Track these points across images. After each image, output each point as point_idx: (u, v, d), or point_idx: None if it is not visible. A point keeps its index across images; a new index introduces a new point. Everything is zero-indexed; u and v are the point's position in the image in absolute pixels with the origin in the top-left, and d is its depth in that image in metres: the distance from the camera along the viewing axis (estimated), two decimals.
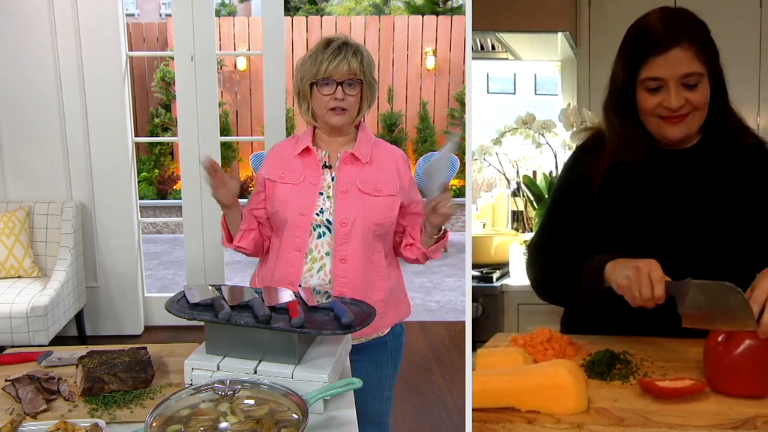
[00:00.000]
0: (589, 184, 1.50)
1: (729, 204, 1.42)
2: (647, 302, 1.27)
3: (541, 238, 1.65)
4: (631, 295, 1.29)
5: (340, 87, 1.81)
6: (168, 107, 8.03)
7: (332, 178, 1.88)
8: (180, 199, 4.46)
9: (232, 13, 12.48)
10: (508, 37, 2.32)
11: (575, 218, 1.53)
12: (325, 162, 1.90)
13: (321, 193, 1.86)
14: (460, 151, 7.55)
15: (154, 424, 1.18)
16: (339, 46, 1.81)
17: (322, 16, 10.21)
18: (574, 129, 2.24)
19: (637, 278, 1.27)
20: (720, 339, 1.22)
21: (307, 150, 1.90)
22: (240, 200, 1.88)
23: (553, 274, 1.53)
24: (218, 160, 4.11)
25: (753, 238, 1.42)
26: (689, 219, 1.43)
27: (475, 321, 2.12)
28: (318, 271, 1.85)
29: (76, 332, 4.04)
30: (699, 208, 1.44)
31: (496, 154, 2.52)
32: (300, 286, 1.82)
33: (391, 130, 8.20)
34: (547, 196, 2.47)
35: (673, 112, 1.38)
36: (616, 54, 1.45)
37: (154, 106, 8.20)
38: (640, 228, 1.45)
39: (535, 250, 1.65)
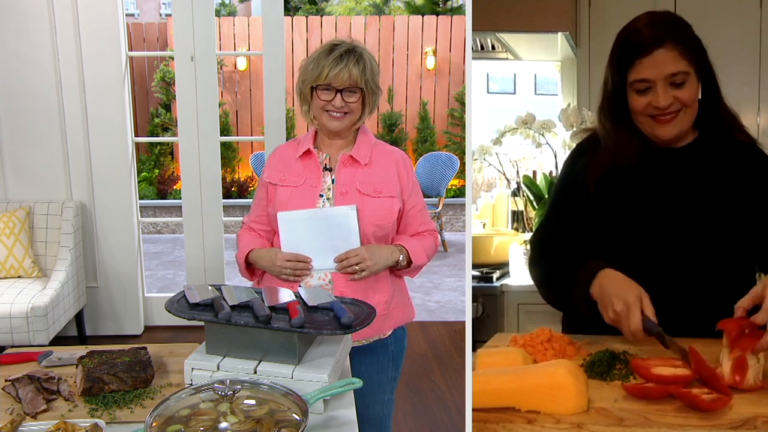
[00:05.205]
0: (585, 184, 1.52)
1: (723, 202, 1.44)
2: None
3: (542, 236, 1.67)
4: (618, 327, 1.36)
5: (339, 94, 1.81)
6: (168, 107, 8.03)
7: (332, 181, 1.88)
8: (180, 199, 4.46)
9: (232, 13, 12.48)
10: (508, 37, 2.32)
11: (574, 219, 1.55)
12: (325, 164, 1.90)
13: (321, 195, 1.87)
14: (461, 151, 7.58)
15: (154, 424, 1.18)
16: (341, 54, 1.80)
17: (322, 16, 10.21)
18: (574, 129, 2.24)
19: (618, 320, 1.35)
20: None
21: (308, 152, 1.90)
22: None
23: (553, 280, 1.55)
24: (218, 160, 4.15)
25: (747, 236, 1.44)
26: (684, 217, 1.45)
27: (475, 321, 2.12)
28: None
29: (76, 332, 4.04)
30: (694, 206, 1.45)
31: (496, 154, 2.51)
32: (300, 286, 1.82)
33: (391, 130, 8.20)
34: (546, 196, 2.46)
35: (662, 111, 1.41)
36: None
37: (154, 106, 8.20)
38: (636, 227, 1.47)
39: (537, 250, 1.66)
